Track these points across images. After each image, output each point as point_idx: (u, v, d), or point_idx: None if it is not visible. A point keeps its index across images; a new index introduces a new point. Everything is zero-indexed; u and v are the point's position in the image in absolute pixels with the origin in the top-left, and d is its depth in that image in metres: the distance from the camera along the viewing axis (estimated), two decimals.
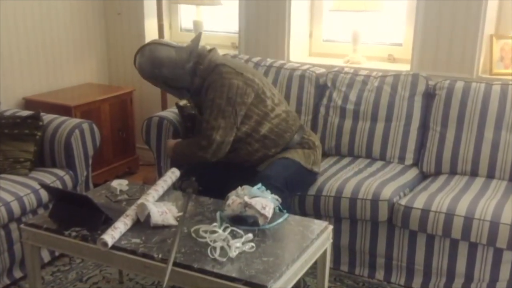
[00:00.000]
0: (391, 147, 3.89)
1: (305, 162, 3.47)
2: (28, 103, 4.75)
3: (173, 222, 2.74)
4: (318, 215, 3.51)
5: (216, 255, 2.47)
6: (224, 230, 2.66)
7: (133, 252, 2.55)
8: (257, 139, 3.44)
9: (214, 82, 3.37)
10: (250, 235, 2.63)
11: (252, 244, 2.57)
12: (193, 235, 2.66)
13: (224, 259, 2.45)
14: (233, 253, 2.49)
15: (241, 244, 2.55)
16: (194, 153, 3.41)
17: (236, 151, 3.46)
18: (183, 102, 4.03)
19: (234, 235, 2.63)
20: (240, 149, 3.45)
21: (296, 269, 2.53)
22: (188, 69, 3.46)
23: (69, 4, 5.09)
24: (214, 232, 2.64)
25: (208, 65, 3.45)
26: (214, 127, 3.32)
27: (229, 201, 2.81)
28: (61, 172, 3.81)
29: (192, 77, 3.47)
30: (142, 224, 2.73)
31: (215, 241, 2.56)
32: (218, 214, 2.83)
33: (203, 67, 3.45)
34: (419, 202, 3.32)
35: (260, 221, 2.74)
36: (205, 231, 2.66)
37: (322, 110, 4.10)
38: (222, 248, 2.52)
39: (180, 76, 3.47)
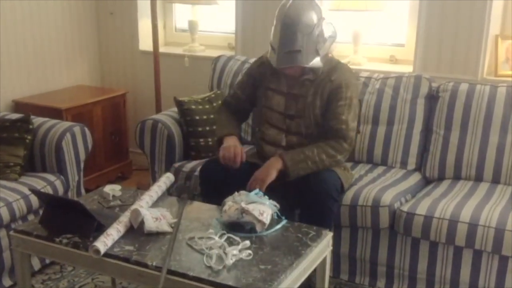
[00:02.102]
0: (393, 152, 3.91)
1: (345, 182, 3.48)
2: (17, 106, 4.76)
3: (167, 228, 2.74)
4: None
5: (212, 263, 2.48)
6: (220, 237, 2.67)
7: (126, 259, 2.56)
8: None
9: (348, 79, 3.38)
10: (247, 242, 2.64)
11: (250, 251, 2.58)
12: (189, 242, 2.67)
13: (220, 267, 2.46)
14: (229, 261, 2.50)
15: (237, 251, 2.56)
16: (331, 158, 3.29)
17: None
18: (182, 98, 4.07)
19: (230, 242, 2.64)
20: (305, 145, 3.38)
21: (295, 277, 2.54)
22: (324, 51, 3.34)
23: (60, 4, 5.10)
24: (210, 239, 2.65)
25: (331, 58, 3.44)
26: (353, 129, 3.38)
27: (226, 207, 2.82)
28: (51, 177, 3.82)
29: (317, 52, 3.32)
30: (135, 231, 2.74)
31: (211, 248, 2.58)
32: (214, 220, 2.84)
33: (327, 58, 3.38)
34: (422, 208, 3.33)
35: (258, 227, 2.75)
36: (201, 238, 2.67)
37: None
38: (218, 255, 2.53)
39: (319, 46, 3.29)
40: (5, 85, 4.71)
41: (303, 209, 3.29)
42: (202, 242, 2.62)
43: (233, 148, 3.32)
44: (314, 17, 3.24)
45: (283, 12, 3.25)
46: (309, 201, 3.21)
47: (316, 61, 3.29)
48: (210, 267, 2.46)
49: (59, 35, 5.15)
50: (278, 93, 3.44)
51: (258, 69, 3.59)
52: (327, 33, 3.30)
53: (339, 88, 3.32)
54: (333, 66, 3.39)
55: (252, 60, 4.29)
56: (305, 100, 3.36)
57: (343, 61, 4.54)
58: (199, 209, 3.07)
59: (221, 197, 2.96)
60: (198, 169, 3.74)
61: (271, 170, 3.23)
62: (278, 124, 3.46)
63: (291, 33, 3.22)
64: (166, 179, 3.27)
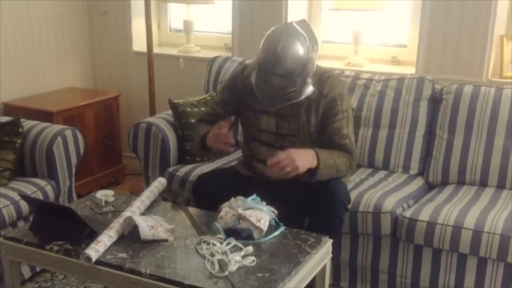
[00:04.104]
0: (395, 156, 3.92)
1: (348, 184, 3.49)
2: (7, 109, 4.76)
3: (164, 236, 2.74)
4: None
5: (215, 270, 2.48)
6: (222, 243, 2.67)
7: (119, 267, 2.56)
8: None
9: (340, 90, 3.26)
10: (250, 248, 2.65)
11: (253, 258, 2.58)
12: (196, 247, 2.68)
13: (224, 274, 2.46)
14: (232, 267, 2.50)
15: (240, 258, 2.57)
16: (346, 172, 3.24)
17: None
18: (176, 100, 4.07)
19: (231, 248, 2.65)
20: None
21: (294, 286, 2.54)
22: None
23: (51, 3, 5.11)
24: (214, 244, 2.65)
25: (317, 69, 3.25)
26: (354, 142, 3.29)
27: (222, 213, 2.82)
28: (42, 182, 3.82)
29: (308, 80, 3.17)
30: (129, 238, 2.74)
31: (212, 255, 2.58)
32: (218, 225, 2.81)
33: (314, 69, 3.19)
34: (425, 214, 3.34)
35: (255, 234, 2.75)
36: (208, 243, 2.67)
37: None
38: (221, 261, 2.53)
39: (310, 74, 3.16)
40: None
41: (311, 220, 3.27)
42: (204, 247, 2.63)
43: (215, 132, 3.17)
44: (304, 52, 3.06)
45: (272, 58, 3.03)
46: (318, 211, 3.18)
47: (309, 89, 3.16)
48: (206, 275, 2.47)
49: (50, 35, 5.15)
50: (267, 114, 3.30)
51: (240, 85, 3.39)
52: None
53: (333, 102, 3.22)
54: (321, 78, 3.25)
55: (248, 61, 4.16)
56: (298, 119, 3.26)
57: (343, 62, 4.58)
58: (194, 216, 3.06)
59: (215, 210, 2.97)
60: (193, 174, 3.76)
61: (306, 164, 3.02)
62: (270, 142, 3.36)
63: (285, 80, 3.07)
64: (158, 184, 3.28)
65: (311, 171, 3.07)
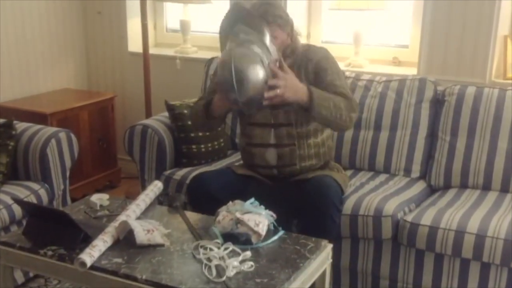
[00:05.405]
0: (396, 159, 3.92)
1: (344, 186, 3.49)
2: (0, 110, 4.77)
3: (160, 240, 2.74)
4: None
5: (213, 275, 2.48)
6: (220, 247, 2.67)
7: (114, 272, 2.55)
8: (316, 143, 3.45)
9: (323, 53, 3.44)
10: (249, 253, 2.64)
11: (251, 263, 2.58)
12: (193, 252, 2.68)
13: (221, 279, 2.45)
14: (230, 273, 2.50)
15: (238, 263, 2.57)
16: (347, 111, 3.21)
17: (292, 152, 3.40)
18: (173, 102, 4.07)
19: (229, 253, 2.65)
20: (298, 148, 3.40)
21: None
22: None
23: (45, 3, 5.11)
24: (212, 249, 2.65)
25: (302, 44, 3.49)
26: (351, 93, 3.37)
27: (220, 217, 2.82)
28: (36, 186, 3.82)
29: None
30: (124, 243, 2.74)
31: (209, 260, 2.57)
32: (216, 230, 2.82)
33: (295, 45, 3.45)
34: (427, 219, 3.34)
35: (253, 239, 2.75)
36: (205, 248, 2.67)
37: None
38: (218, 267, 2.53)
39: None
40: None
41: (304, 221, 3.28)
42: (202, 252, 2.63)
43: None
44: (260, 68, 3.00)
45: (232, 89, 2.98)
46: (310, 211, 3.21)
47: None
48: (203, 281, 2.46)
49: (44, 35, 5.16)
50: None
51: None
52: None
53: (320, 63, 3.36)
54: (307, 49, 3.44)
55: None
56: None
57: (344, 63, 4.59)
58: (191, 219, 3.06)
59: (211, 213, 2.98)
60: (189, 177, 3.75)
61: (297, 94, 3.12)
62: (263, 120, 3.42)
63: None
64: (154, 187, 3.27)
65: (307, 104, 3.15)
